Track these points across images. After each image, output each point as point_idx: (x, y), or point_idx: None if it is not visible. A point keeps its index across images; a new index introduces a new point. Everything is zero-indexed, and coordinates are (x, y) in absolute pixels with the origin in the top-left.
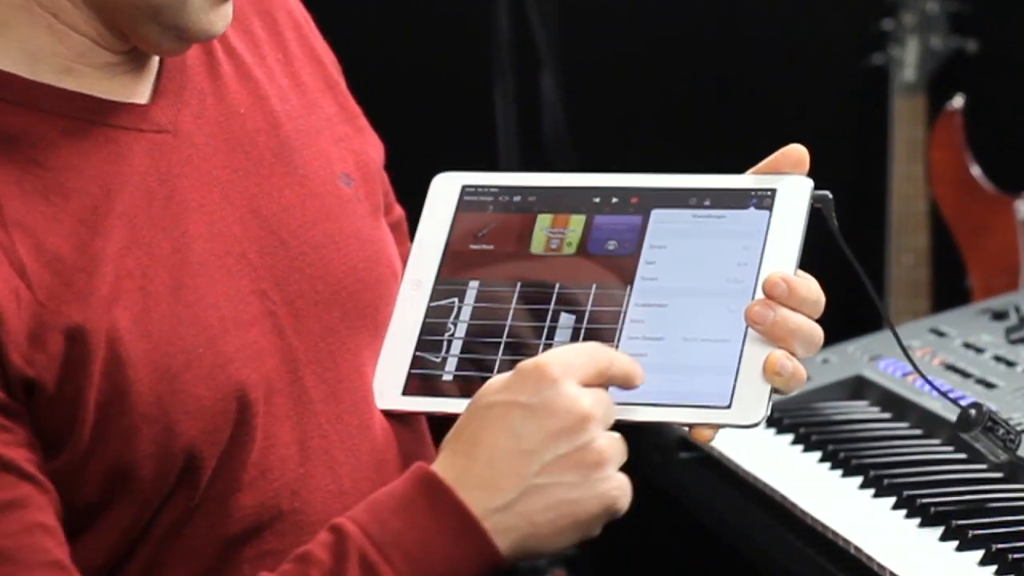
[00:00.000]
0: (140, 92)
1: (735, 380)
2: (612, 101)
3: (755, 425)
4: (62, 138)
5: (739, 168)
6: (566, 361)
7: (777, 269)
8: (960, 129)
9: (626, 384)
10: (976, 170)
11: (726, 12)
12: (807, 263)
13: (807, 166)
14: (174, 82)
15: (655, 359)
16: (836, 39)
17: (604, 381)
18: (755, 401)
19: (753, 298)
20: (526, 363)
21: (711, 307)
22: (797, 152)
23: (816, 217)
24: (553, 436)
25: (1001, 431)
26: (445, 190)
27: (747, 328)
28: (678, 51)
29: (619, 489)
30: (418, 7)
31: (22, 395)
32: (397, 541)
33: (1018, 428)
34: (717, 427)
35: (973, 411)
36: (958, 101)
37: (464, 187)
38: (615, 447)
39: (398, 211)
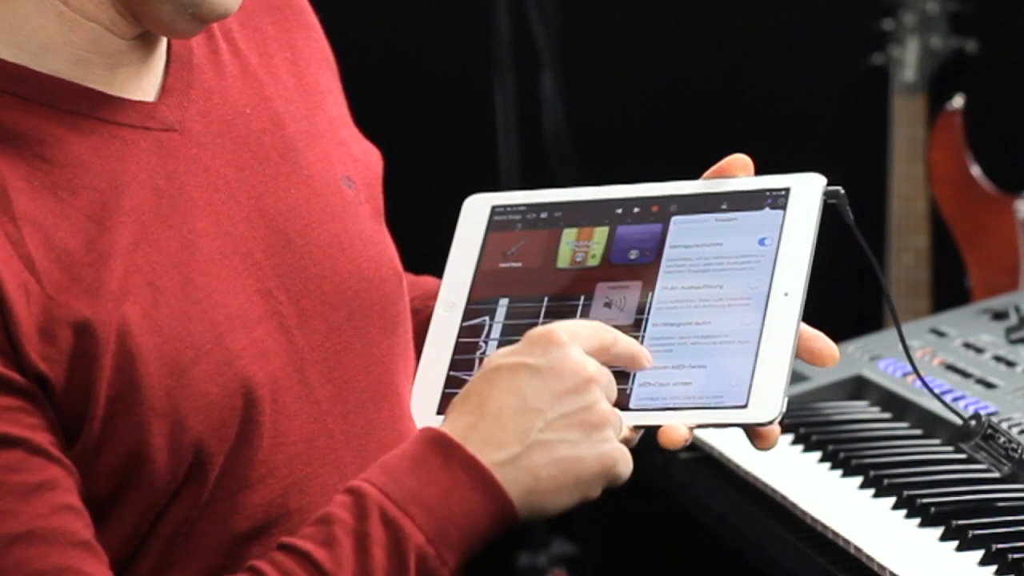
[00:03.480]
0: (147, 90)
1: (751, 379)
2: (612, 101)
3: (771, 422)
4: (70, 135)
5: None
6: (573, 329)
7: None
8: (960, 129)
9: (632, 365)
10: (976, 170)
11: (726, 12)
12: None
13: (752, 171)
14: (181, 81)
15: (675, 365)
16: (836, 39)
17: (608, 358)
18: (771, 398)
19: (768, 298)
20: (534, 330)
21: (727, 310)
22: (742, 159)
23: (827, 213)
24: (558, 396)
25: (1002, 439)
26: (476, 211)
27: (763, 328)
28: (678, 51)
29: (619, 452)
30: (418, 7)
31: (37, 387)
32: (414, 497)
33: (1019, 428)
34: (735, 427)
35: (973, 421)
36: (958, 101)
37: (494, 207)
38: (615, 416)
39: None
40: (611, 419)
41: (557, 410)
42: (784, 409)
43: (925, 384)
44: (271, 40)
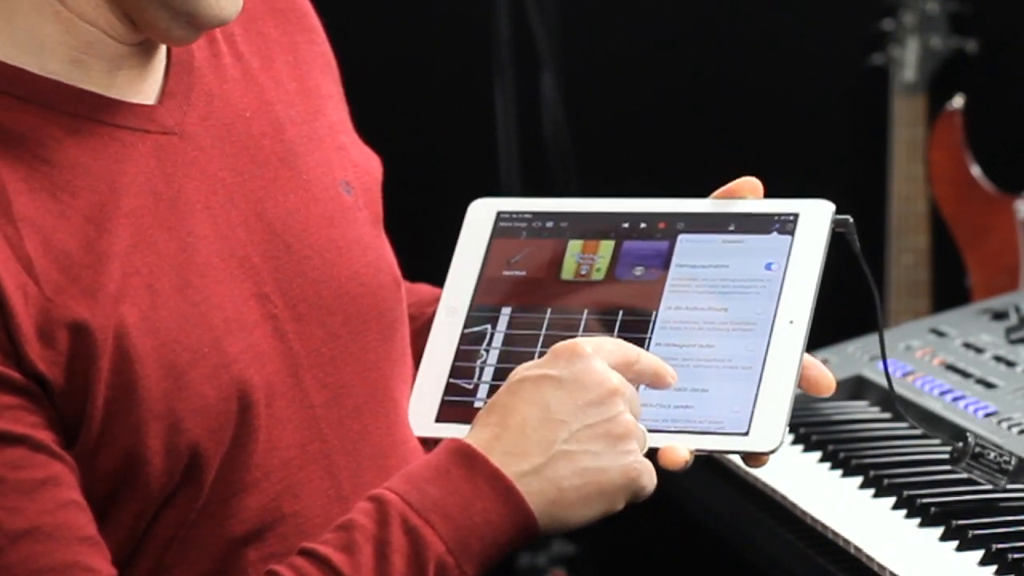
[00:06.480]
0: (147, 93)
1: (753, 407)
2: (612, 101)
3: (772, 452)
4: (69, 137)
5: (735, 169)
6: (598, 343)
7: (796, 294)
8: (960, 129)
9: (655, 383)
10: (976, 170)
11: (726, 12)
12: None
13: (761, 194)
14: (181, 84)
15: (676, 387)
16: (836, 39)
17: (631, 375)
18: (772, 428)
19: (773, 324)
20: (559, 343)
21: (731, 334)
22: (752, 182)
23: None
24: (582, 407)
25: (992, 454)
26: (481, 216)
27: (766, 355)
28: (678, 51)
29: (643, 465)
30: (418, 7)
31: (37, 387)
32: (436, 506)
33: (1019, 428)
34: (734, 454)
35: (961, 443)
36: (958, 101)
37: (499, 213)
38: (639, 429)
39: None
40: (635, 432)
41: (581, 421)
42: (785, 440)
43: (904, 413)
44: (273, 43)
